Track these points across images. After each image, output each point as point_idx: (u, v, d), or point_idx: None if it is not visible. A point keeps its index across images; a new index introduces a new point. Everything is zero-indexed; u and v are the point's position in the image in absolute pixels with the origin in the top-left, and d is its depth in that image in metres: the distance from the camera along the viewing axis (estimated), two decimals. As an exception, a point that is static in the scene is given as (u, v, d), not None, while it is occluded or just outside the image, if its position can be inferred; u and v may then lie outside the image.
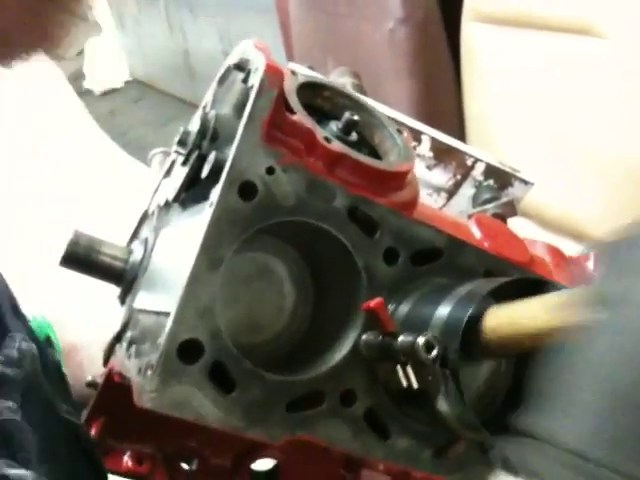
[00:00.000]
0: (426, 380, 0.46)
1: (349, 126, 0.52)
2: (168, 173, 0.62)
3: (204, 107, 0.56)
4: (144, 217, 0.66)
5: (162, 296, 0.49)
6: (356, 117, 0.52)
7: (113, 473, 0.61)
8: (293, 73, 0.52)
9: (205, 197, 0.48)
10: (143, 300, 0.55)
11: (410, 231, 0.52)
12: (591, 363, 0.37)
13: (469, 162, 0.82)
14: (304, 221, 0.49)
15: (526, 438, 0.38)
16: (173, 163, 0.60)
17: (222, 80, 0.56)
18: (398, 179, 0.53)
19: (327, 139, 0.50)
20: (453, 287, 0.49)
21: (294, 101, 0.50)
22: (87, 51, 3.49)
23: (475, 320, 0.45)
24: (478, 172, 0.82)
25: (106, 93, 3.63)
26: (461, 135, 1.51)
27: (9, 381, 0.51)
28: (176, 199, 0.54)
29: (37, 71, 1.27)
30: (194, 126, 0.52)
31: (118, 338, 0.58)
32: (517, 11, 1.39)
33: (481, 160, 0.82)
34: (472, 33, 1.46)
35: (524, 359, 0.48)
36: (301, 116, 0.50)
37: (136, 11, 3.42)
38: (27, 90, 1.27)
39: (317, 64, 0.98)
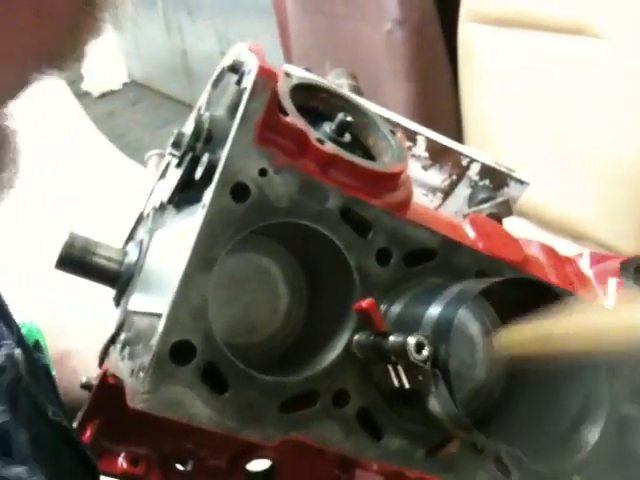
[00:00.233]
0: (417, 380, 0.46)
1: (342, 127, 0.52)
2: (163, 175, 0.62)
3: (199, 109, 0.56)
4: (140, 219, 0.66)
5: (156, 298, 0.49)
6: (349, 118, 0.52)
7: (108, 475, 0.61)
8: (287, 75, 0.52)
9: (199, 199, 0.48)
10: (137, 302, 0.55)
11: (403, 232, 0.52)
12: None
13: (464, 162, 0.82)
14: (297, 222, 0.49)
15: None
16: (168, 165, 0.60)
17: (217, 82, 0.56)
18: (392, 180, 0.53)
19: (320, 140, 0.50)
20: (445, 287, 0.49)
21: (287, 103, 0.50)
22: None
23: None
24: (474, 172, 0.82)
25: (104, 95, 3.62)
26: (459, 136, 1.51)
27: None
28: (170, 201, 0.54)
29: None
30: (188, 128, 0.52)
31: (113, 340, 0.58)
32: (514, 11, 1.39)
33: (476, 160, 0.82)
34: (469, 34, 1.47)
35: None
36: (294, 118, 0.50)
37: (134, 13, 3.41)
38: (25, 93, 1.26)
39: (315, 65, 0.98)
